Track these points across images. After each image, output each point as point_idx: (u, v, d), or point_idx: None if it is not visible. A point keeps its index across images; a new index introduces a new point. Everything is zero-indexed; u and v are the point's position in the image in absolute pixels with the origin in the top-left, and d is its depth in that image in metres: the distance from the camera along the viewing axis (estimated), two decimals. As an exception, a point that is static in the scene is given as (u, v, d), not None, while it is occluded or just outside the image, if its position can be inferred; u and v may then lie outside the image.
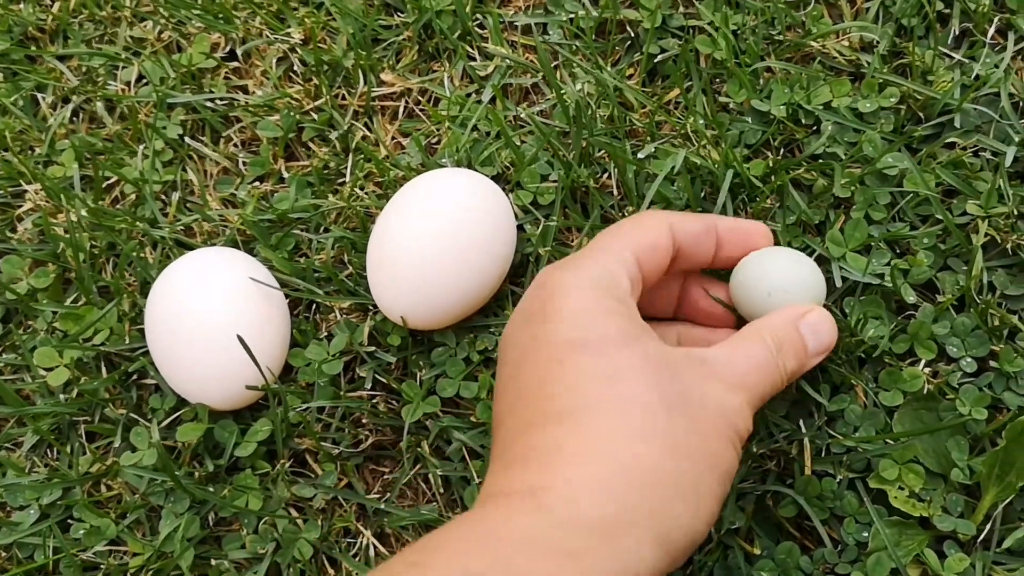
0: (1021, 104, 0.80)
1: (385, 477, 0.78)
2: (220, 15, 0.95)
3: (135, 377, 0.82)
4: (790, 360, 0.61)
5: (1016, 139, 0.77)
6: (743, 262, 0.68)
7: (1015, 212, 0.74)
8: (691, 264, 0.67)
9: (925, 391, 0.71)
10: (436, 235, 0.75)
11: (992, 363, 0.71)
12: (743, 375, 0.58)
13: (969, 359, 0.71)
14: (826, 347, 0.64)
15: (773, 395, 0.61)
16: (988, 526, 0.68)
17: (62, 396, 0.81)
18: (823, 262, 0.76)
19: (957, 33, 0.83)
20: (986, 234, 0.74)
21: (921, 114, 0.80)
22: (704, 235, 0.66)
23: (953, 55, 0.82)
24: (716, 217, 0.69)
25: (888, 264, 0.74)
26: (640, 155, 0.81)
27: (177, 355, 0.76)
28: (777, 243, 0.73)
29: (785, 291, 0.65)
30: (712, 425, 0.54)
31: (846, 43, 0.84)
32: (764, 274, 0.66)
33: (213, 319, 0.76)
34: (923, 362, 0.72)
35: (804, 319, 0.63)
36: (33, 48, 0.98)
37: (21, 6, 1.00)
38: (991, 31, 0.82)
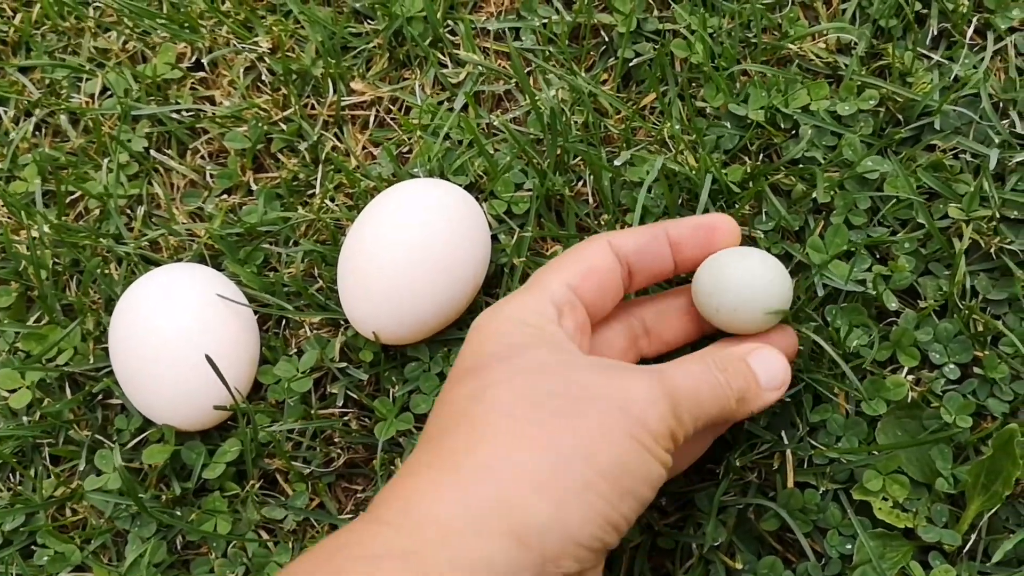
0: (1001, 105, 0.79)
1: (358, 496, 0.77)
2: (186, 24, 0.94)
3: (100, 398, 0.80)
4: (736, 380, 0.59)
5: (997, 141, 0.76)
6: (700, 268, 0.64)
7: (998, 215, 0.73)
8: (650, 277, 0.66)
9: (909, 399, 0.70)
10: (408, 247, 0.73)
11: (976, 369, 0.70)
12: (670, 378, 0.56)
13: (952, 366, 0.71)
14: (780, 383, 0.62)
15: (724, 418, 0.59)
16: (974, 536, 0.67)
17: (25, 418, 0.80)
18: (802, 269, 0.75)
19: (935, 33, 0.82)
20: (969, 238, 0.73)
21: (900, 116, 0.79)
22: (652, 244, 0.64)
23: (932, 56, 0.82)
24: (667, 222, 0.66)
25: (869, 270, 0.73)
26: (616, 162, 0.80)
27: (143, 375, 0.75)
28: (747, 240, 0.73)
29: (743, 301, 0.62)
30: (603, 423, 0.52)
31: (823, 45, 0.83)
32: (719, 282, 0.62)
33: (179, 337, 0.74)
34: (906, 370, 0.71)
35: (753, 354, 0.61)
36: (-6, 60, 0.97)
37: (-19, 18, 0.99)
38: (970, 31, 0.82)
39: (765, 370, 0.61)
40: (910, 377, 0.71)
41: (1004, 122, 0.78)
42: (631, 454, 0.52)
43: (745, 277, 0.61)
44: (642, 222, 0.77)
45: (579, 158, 0.82)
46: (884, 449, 0.68)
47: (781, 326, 0.65)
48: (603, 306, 0.63)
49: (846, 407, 0.71)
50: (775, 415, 0.71)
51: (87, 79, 0.94)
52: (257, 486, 0.76)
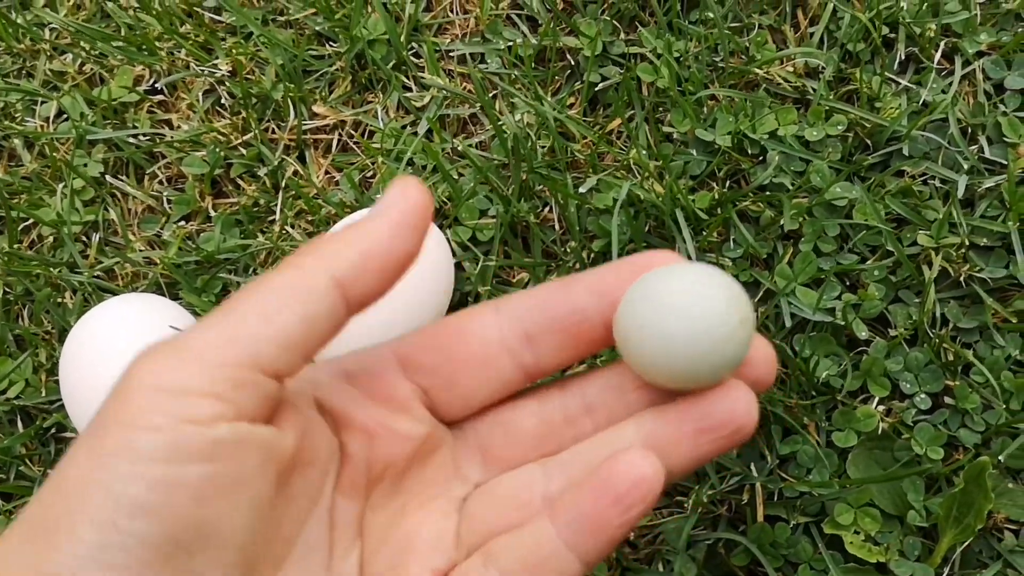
0: (969, 130, 0.79)
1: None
2: (143, 47, 0.92)
3: (53, 431, 0.79)
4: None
5: (965, 167, 0.76)
6: (621, 302, 0.42)
7: (967, 243, 0.73)
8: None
9: (880, 431, 0.69)
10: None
11: (947, 399, 0.70)
12: None
13: (923, 395, 0.70)
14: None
15: None
16: (947, 570, 0.67)
17: (-24, 453, 0.78)
18: (770, 296, 0.74)
19: (903, 58, 0.82)
20: (938, 267, 0.73)
21: (868, 141, 0.79)
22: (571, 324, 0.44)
23: (899, 80, 0.81)
24: (582, 278, 0.44)
25: (839, 297, 0.73)
26: (582, 189, 0.79)
27: (95, 407, 0.73)
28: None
29: (683, 344, 0.39)
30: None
31: (791, 69, 0.83)
32: (644, 319, 0.40)
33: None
34: (876, 399, 0.71)
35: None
36: (-54, 84, 0.95)
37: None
38: (937, 56, 0.81)
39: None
40: (881, 407, 0.70)
41: (972, 147, 0.78)
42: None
43: (683, 304, 0.39)
44: (620, 253, 0.76)
45: (544, 185, 0.81)
46: (855, 483, 0.68)
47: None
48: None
49: (816, 438, 0.70)
50: (745, 446, 0.71)
51: (42, 102, 0.93)
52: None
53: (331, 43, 0.92)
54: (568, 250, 0.79)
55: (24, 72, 0.96)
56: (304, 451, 0.39)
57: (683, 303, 0.39)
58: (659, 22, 0.85)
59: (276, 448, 0.37)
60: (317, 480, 0.40)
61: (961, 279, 0.73)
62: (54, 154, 0.88)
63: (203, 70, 0.91)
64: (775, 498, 0.70)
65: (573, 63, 0.87)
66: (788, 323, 0.72)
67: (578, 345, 0.43)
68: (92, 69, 0.94)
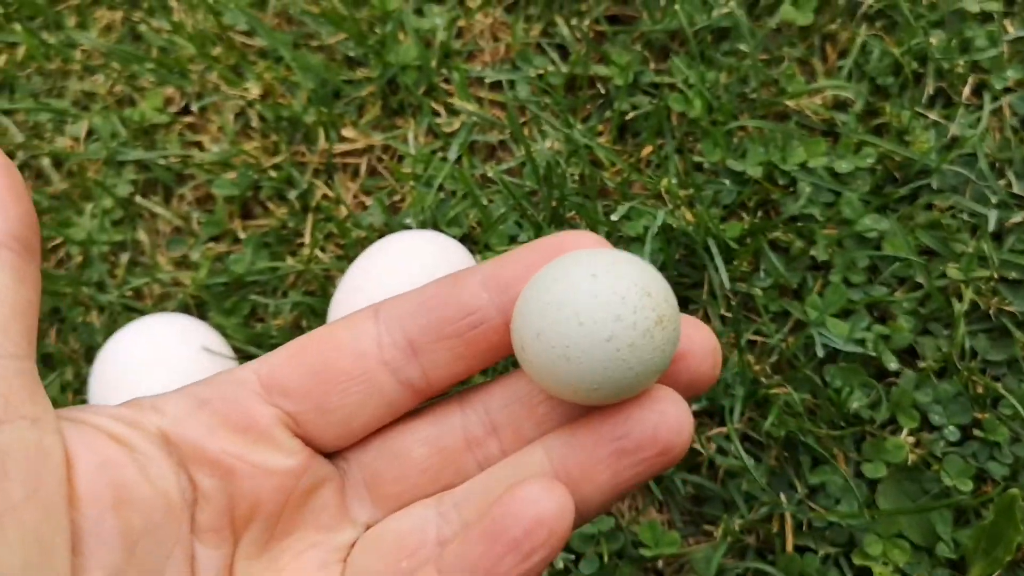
0: (997, 165, 0.80)
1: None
2: (175, 69, 0.94)
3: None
4: None
5: (994, 201, 0.77)
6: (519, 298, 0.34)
7: (996, 276, 0.74)
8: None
9: (909, 462, 0.70)
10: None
11: (976, 431, 0.71)
12: None
13: (952, 427, 0.71)
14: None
15: None
16: (976, 603, 0.67)
17: None
18: (800, 327, 0.75)
19: (931, 93, 0.83)
20: (969, 300, 0.73)
21: (897, 175, 0.80)
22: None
23: (928, 115, 0.82)
24: (483, 268, 0.37)
25: (868, 329, 0.74)
26: (613, 216, 0.80)
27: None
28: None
29: (590, 348, 0.32)
30: None
31: (819, 101, 0.84)
32: (542, 317, 0.32)
33: (162, 390, 0.73)
34: (905, 431, 0.71)
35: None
36: (-23, 102, 0.96)
37: (-34, 58, 0.98)
38: (966, 91, 0.82)
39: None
40: (910, 439, 0.71)
41: (1001, 182, 0.79)
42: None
43: (586, 303, 0.32)
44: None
45: (574, 212, 0.82)
46: (885, 514, 0.68)
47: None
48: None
49: (845, 469, 0.71)
50: (774, 475, 0.71)
51: (72, 122, 0.94)
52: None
53: (362, 68, 0.93)
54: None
55: (54, 92, 0.97)
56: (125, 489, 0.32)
57: (586, 302, 0.31)
58: (691, 52, 0.86)
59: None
60: (164, 524, 0.33)
61: (990, 312, 0.74)
62: (85, 173, 0.89)
63: (234, 94, 0.92)
64: (804, 528, 0.70)
65: (603, 92, 0.89)
66: (820, 353, 0.73)
67: (474, 353, 0.36)
68: (122, 90, 0.95)
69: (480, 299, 0.35)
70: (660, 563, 0.71)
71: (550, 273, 0.33)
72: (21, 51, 0.98)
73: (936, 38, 0.84)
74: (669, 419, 0.33)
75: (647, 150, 0.85)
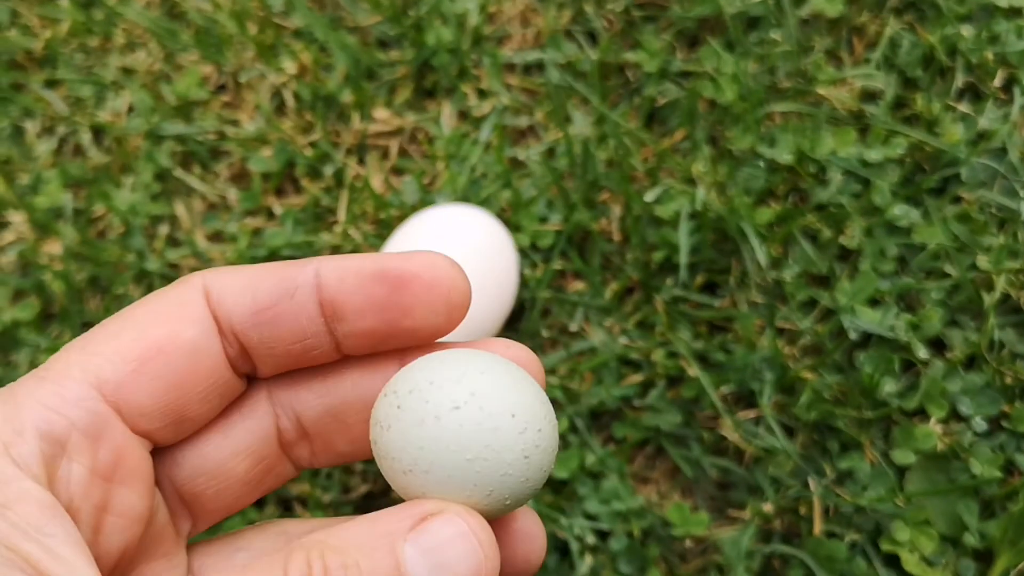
0: (1027, 158, 0.76)
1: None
2: (213, 46, 0.90)
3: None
4: None
5: (1022, 194, 0.73)
6: (385, 386, 0.30)
7: (1027, 269, 0.70)
8: (288, 360, 0.32)
9: (937, 450, 0.66)
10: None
11: (1004, 423, 0.67)
12: None
13: (980, 418, 0.67)
14: None
15: None
16: (1002, 592, 0.63)
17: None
18: (829, 314, 0.71)
19: (961, 86, 0.79)
20: (1001, 292, 0.70)
21: (926, 165, 0.76)
22: (282, 304, 0.31)
23: (957, 107, 0.78)
24: (322, 259, 0.31)
25: (897, 317, 0.70)
26: (647, 197, 0.76)
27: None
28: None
29: (455, 464, 0.28)
30: None
31: (848, 92, 0.80)
32: (406, 421, 0.28)
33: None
34: (934, 419, 0.67)
35: (417, 530, 0.27)
36: (21, 75, 0.92)
37: (10, 32, 0.94)
38: (996, 85, 0.78)
39: (433, 565, 0.27)
40: (939, 427, 0.67)
41: (1031, 175, 0.75)
42: None
43: (461, 419, 0.27)
44: (688, 264, 0.73)
45: (605, 193, 0.78)
46: (914, 496, 0.64)
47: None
48: (188, 411, 0.30)
49: (873, 455, 0.67)
50: (803, 459, 0.68)
51: (113, 96, 0.90)
52: (275, 514, 0.71)
53: (394, 50, 0.89)
54: (626, 260, 0.76)
55: (95, 68, 0.93)
56: None
57: (453, 433, 0.27)
58: (727, 38, 0.82)
59: None
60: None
61: (1020, 304, 0.70)
62: (125, 146, 0.86)
63: (271, 73, 0.88)
64: (830, 513, 0.66)
65: (631, 79, 0.84)
66: (853, 336, 0.69)
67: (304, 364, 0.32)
68: (161, 67, 0.91)
69: (316, 324, 0.30)
70: (688, 543, 0.67)
71: (426, 362, 0.29)
72: (65, 27, 0.94)
73: (965, 31, 0.79)
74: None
75: (679, 135, 0.81)
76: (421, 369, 0.29)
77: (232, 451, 0.32)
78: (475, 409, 0.27)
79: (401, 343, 0.31)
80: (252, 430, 0.32)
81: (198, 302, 0.30)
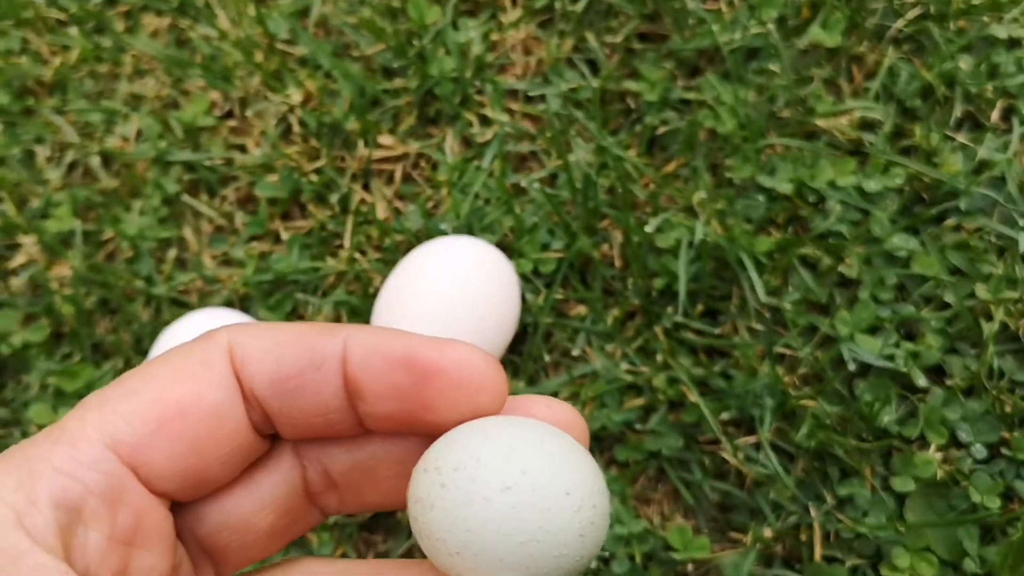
0: (1026, 188, 0.75)
1: (379, 547, 0.72)
2: (219, 74, 0.89)
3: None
4: None
5: (1022, 224, 0.72)
6: (424, 456, 0.27)
7: (1025, 297, 0.69)
8: (308, 431, 0.29)
9: (937, 477, 0.65)
10: (445, 304, 0.69)
11: (1004, 450, 0.66)
12: None
13: (980, 445, 0.66)
14: None
15: None
16: (1001, 618, 0.62)
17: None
18: (828, 342, 0.70)
19: (960, 116, 0.78)
20: (999, 321, 0.69)
21: (925, 195, 0.75)
22: (305, 375, 0.28)
23: (956, 137, 0.78)
24: (351, 329, 0.29)
25: (896, 345, 0.69)
26: (648, 228, 0.75)
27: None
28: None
29: (501, 541, 0.25)
30: None
31: (847, 121, 0.79)
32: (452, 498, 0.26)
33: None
34: (933, 447, 0.67)
35: None
36: (31, 101, 0.91)
37: (21, 59, 0.94)
38: (995, 115, 0.78)
39: None
40: (938, 455, 0.66)
41: (1029, 205, 0.74)
42: None
43: (512, 500, 0.25)
44: (686, 293, 0.72)
45: (607, 220, 0.77)
46: (914, 527, 0.64)
47: None
48: (208, 474, 0.28)
49: (872, 482, 0.66)
50: (802, 485, 0.67)
51: (121, 122, 0.89)
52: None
53: (398, 78, 0.88)
54: (627, 286, 0.75)
55: (104, 94, 0.92)
56: None
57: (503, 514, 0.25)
58: (724, 70, 0.82)
59: None
60: None
61: (1019, 333, 0.69)
62: (133, 171, 0.85)
63: (277, 99, 0.88)
64: (831, 538, 0.66)
65: (632, 107, 0.84)
66: (852, 367, 0.68)
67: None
68: (169, 94, 0.91)
69: (340, 400, 0.28)
70: (689, 567, 0.66)
71: (469, 431, 0.27)
72: (74, 54, 0.93)
73: (964, 63, 0.79)
74: None
75: (678, 162, 0.80)
76: (464, 443, 0.26)
77: (257, 506, 0.30)
78: (527, 489, 0.25)
79: (422, 432, 0.28)
80: (277, 483, 0.30)
81: (222, 362, 0.28)
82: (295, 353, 0.28)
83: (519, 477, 0.25)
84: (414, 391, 0.28)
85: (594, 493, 0.26)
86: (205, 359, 0.28)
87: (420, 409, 0.28)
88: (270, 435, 0.30)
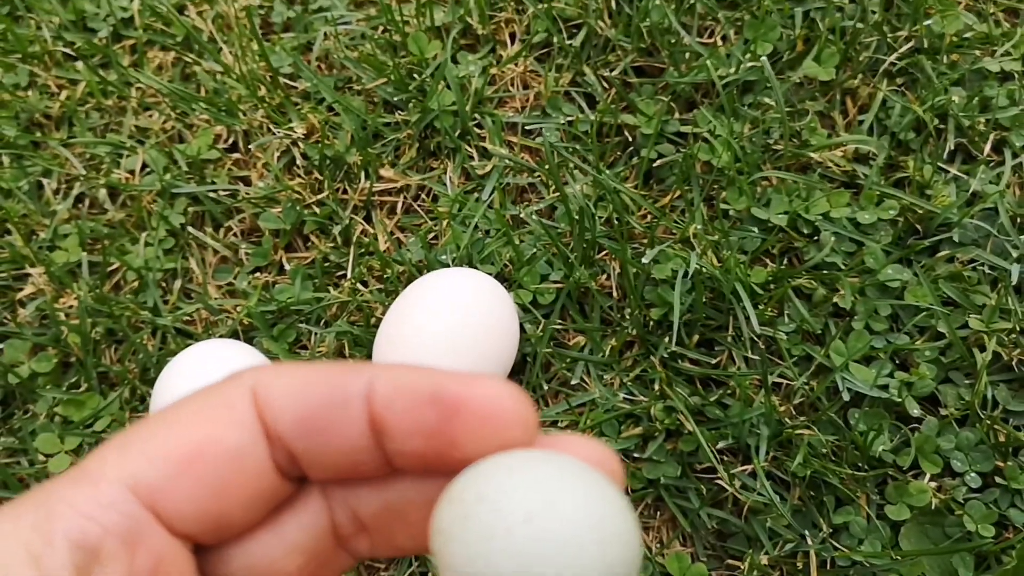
0: (1018, 219, 0.76)
1: (381, 574, 0.72)
2: (224, 108, 0.90)
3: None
4: None
5: (1015, 255, 0.73)
6: (445, 491, 0.26)
7: (1018, 328, 0.70)
8: (334, 471, 0.29)
9: (932, 506, 0.65)
10: (446, 335, 0.69)
11: (997, 479, 0.66)
12: None
13: (974, 474, 0.67)
14: None
15: None
16: (996, 646, 0.62)
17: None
18: (823, 371, 0.71)
19: (952, 148, 0.79)
20: (992, 351, 0.69)
21: (919, 227, 0.76)
22: (330, 412, 0.27)
23: (948, 169, 0.78)
24: (375, 369, 0.28)
25: (890, 375, 0.69)
26: (644, 259, 0.76)
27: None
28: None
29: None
30: None
31: (841, 153, 0.80)
32: (475, 530, 0.25)
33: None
34: (928, 476, 0.67)
35: None
36: (39, 134, 0.92)
37: (29, 93, 0.94)
38: (987, 148, 0.78)
39: None
40: (933, 483, 0.67)
41: (1022, 237, 0.75)
42: None
43: (536, 533, 0.24)
44: (680, 322, 0.72)
45: (604, 252, 0.78)
46: (909, 555, 0.64)
47: None
48: (230, 517, 0.28)
49: (868, 511, 0.66)
50: (798, 513, 0.67)
51: (127, 155, 0.90)
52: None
53: (399, 111, 0.89)
54: (625, 316, 0.76)
55: (111, 127, 0.93)
56: None
57: (538, 525, 0.24)
58: (724, 106, 0.82)
59: None
60: None
61: (1012, 363, 0.70)
62: (140, 204, 0.86)
63: (280, 132, 0.89)
64: (827, 566, 0.66)
65: (629, 139, 0.85)
66: (846, 397, 0.69)
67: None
68: (174, 127, 0.91)
69: (366, 439, 0.27)
70: (687, 597, 0.67)
71: (494, 465, 0.26)
72: (81, 88, 0.94)
73: (957, 96, 0.80)
74: None
75: (674, 194, 0.81)
76: (488, 474, 0.25)
77: (283, 550, 0.29)
78: (551, 521, 0.24)
79: (451, 470, 0.27)
80: (305, 526, 0.29)
81: (245, 404, 0.28)
82: (319, 392, 0.27)
83: (542, 509, 0.24)
84: (441, 427, 0.27)
85: (623, 530, 0.25)
86: (227, 401, 0.28)
87: (448, 446, 0.27)
88: (297, 477, 0.29)
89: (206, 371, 0.71)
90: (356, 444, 0.27)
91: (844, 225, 0.75)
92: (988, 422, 0.67)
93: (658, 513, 0.71)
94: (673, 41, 0.86)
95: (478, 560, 0.24)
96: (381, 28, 0.93)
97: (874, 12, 0.85)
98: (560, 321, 0.76)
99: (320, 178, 0.86)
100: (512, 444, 0.27)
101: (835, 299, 0.72)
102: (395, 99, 0.89)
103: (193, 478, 0.27)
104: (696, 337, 0.74)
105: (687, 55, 0.86)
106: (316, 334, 0.78)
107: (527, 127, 0.87)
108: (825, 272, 0.74)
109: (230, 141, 0.90)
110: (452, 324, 0.69)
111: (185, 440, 0.27)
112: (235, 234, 0.86)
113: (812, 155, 0.79)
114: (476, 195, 0.84)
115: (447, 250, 0.80)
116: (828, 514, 0.67)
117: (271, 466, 0.28)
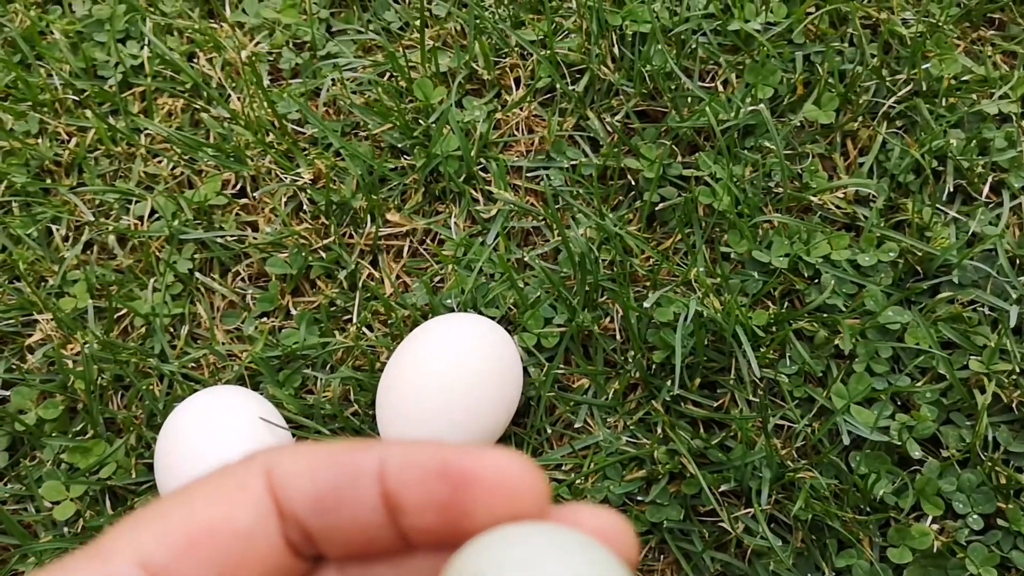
0: (1017, 260, 0.76)
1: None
2: (232, 154, 0.91)
3: (137, 514, 0.76)
4: None
5: (1015, 296, 0.73)
6: (450, 561, 0.26)
7: (1018, 369, 0.70)
8: (349, 550, 0.28)
9: (934, 549, 0.65)
10: (449, 381, 0.70)
11: (1000, 521, 0.66)
12: None
13: (976, 516, 0.67)
14: None
15: None
16: None
17: (66, 530, 0.75)
18: (824, 413, 0.71)
19: (951, 190, 0.80)
20: (992, 393, 0.69)
21: (919, 268, 0.76)
22: (343, 492, 0.28)
23: (948, 211, 0.79)
24: (388, 446, 0.28)
25: (892, 417, 0.70)
26: (645, 304, 0.76)
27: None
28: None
29: None
30: None
31: (841, 195, 0.81)
32: None
33: (223, 459, 0.70)
34: (930, 518, 0.67)
35: None
36: (49, 181, 0.93)
37: (39, 140, 0.96)
38: (985, 189, 0.79)
39: None
40: (935, 526, 0.67)
41: (1021, 278, 0.75)
42: None
43: None
44: (682, 367, 0.73)
45: (606, 296, 0.78)
46: (911, 599, 0.64)
47: None
48: None
49: (870, 554, 0.66)
50: (800, 556, 0.67)
51: (136, 201, 0.91)
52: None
53: (405, 156, 0.90)
54: (628, 359, 0.76)
55: (120, 174, 0.94)
56: None
57: None
58: (720, 148, 0.83)
59: None
60: None
61: (1013, 405, 0.70)
62: (148, 250, 0.86)
63: (287, 178, 0.90)
64: (831, 610, 0.66)
65: (632, 182, 0.85)
66: (846, 440, 0.69)
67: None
68: (182, 173, 0.92)
69: (379, 516, 0.27)
70: (691, 641, 0.67)
71: (494, 538, 0.25)
72: (90, 135, 0.95)
73: (955, 138, 0.80)
74: None
75: (675, 238, 0.81)
76: (485, 549, 0.25)
77: None
78: None
79: (466, 540, 0.27)
80: None
81: (257, 484, 0.28)
82: (330, 471, 0.28)
83: None
84: (452, 500, 0.27)
85: None
86: (240, 481, 0.28)
87: (459, 518, 0.27)
88: (314, 556, 0.29)
89: (212, 418, 0.71)
90: (370, 521, 0.27)
91: (845, 268, 0.76)
92: (989, 464, 0.67)
93: (662, 556, 0.71)
94: (675, 86, 0.87)
95: None
96: (388, 74, 0.94)
97: (873, 56, 0.86)
98: (564, 364, 0.77)
99: (326, 223, 0.87)
100: (523, 514, 0.27)
101: (836, 341, 0.73)
102: (401, 144, 0.90)
103: (202, 557, 0.27)
104: (698, 380, 0.74)
105: (689, 99, 0.87)
106: (321, 379, 0.78)
107: (531, 171, 0.88)
108: (826, 314, 0.74)
109: (238, 187, 0.91)
110: (455, 369, 0.70)
111: (196, 519, 0.27)
112: (242, 279, 0.86)
113: (812, 198, 0.80)
114: (481, 239, 0.84)
115: (451, 294, 0.81)
116: (831, 557, 0.67)
117: (283, 545, 0.28)
